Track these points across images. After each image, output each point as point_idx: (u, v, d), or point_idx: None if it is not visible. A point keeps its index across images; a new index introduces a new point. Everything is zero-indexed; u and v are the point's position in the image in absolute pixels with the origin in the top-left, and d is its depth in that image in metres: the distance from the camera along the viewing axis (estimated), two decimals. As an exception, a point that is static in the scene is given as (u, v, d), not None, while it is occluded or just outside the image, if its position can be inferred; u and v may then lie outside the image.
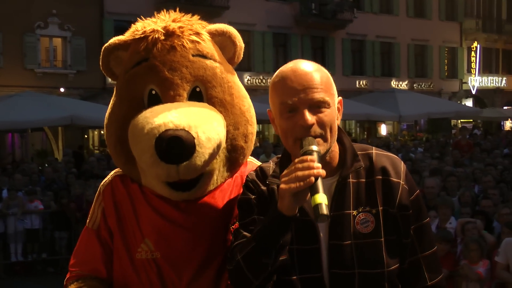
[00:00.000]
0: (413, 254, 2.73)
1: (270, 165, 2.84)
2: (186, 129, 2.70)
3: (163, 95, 2.92)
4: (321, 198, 2.35)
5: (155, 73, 2.92)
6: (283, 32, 39.88)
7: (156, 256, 2.91)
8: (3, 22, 27.73)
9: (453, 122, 42.80)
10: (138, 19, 3.18)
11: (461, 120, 43.70)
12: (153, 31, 2.98)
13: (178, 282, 2.89)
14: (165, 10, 3.17)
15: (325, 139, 2.59)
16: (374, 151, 2.81)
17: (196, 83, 2.96)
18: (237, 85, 3.13)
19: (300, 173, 2.39)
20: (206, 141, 2.76)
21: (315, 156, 2.45)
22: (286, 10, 39.96)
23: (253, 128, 3.17)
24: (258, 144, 23.47)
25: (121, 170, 3.13)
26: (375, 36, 44.18)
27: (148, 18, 3.16)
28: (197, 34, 3.03)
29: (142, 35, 2.98)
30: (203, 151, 2.75)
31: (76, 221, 13.59)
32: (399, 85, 44.06)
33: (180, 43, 2.96)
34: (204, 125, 2.78)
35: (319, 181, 2.39)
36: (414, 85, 45.81)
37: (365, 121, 35.34)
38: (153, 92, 2.94)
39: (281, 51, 40.16)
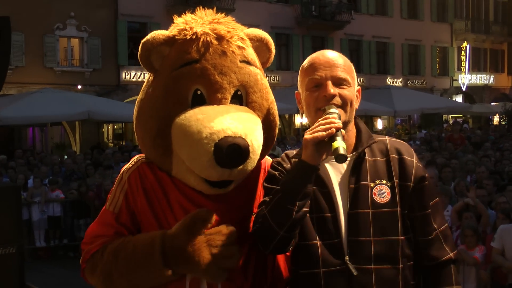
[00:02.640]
0: (430, 226, 2.88)
1: (294, 151, 3.01)
2: (243, 136, 2.73)
3: (210, 97, 2.89)
4: (339, 143, 2.59)
5: (206, 75, 2.87)
6: (285, 32, 39.83)
7: None
8: (25, 24, 27.72)
9: (444, 117, 42.73)
10: (178, 15, 3.07)
11: (452, 115, 43.68)
12: (204, 33, 2.92)
13: None
14: (188, 11, 3.09)
15: (345, 111, 2.82)
16: (388, 138, 3.00)
17: (240, 87, 2.96)
18: (270, 90, 3.15)
19: (323, 126, 2.62)
20: (257, 148, 2.82)
21: (336, 116, 2.68)
22: (288, 12, 39.95)
23: (277, 130, 3.23)
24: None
25: (144, 158, 3.07)
26: (371, 36, 44.12)
27: (186, 14, 3.07)
28: (242, 40, 3.01)
29: (194, 37, 2.91)
30: (254, 158, 2.82)
31: (95, 208, 13.61)
32: (394, 82, 44.02)
33: (230, 49, 2.93)
34: (255, 133, 2.81)
35: (339, 133, 2.63)
36: (408, 82, 45.77)
37: (362, 115, 35.35)
38: (199, 92, 2.90)
39: (283, 50, 40.07)
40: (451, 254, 2.88)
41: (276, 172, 2.89)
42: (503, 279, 8.13)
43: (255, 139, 2.80)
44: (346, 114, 2.81)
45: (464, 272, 8.32)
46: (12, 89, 28.14)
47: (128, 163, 3.10)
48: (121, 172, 3.07)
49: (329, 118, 2.65)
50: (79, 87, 30.63)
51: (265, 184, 2.92)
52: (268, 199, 2.76)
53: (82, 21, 31.49)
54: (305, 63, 2.94)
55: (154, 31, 2.96)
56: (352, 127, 2.92)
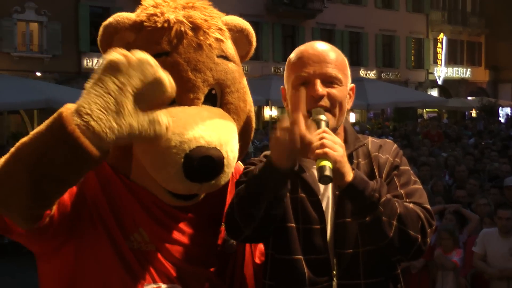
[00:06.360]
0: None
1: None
2: (218, 147, 2.46)
3: (181, 97, 2.57)
4: (326, 162, 2.30)
5: (177, 71, 2.55)
6: (254, 20, 39.34)
7: (151, 248, 2.62)
8: (-20, 6, 27.40)
9: (419, 111, 43.05)
10: None
11: (426, 110, 43.95)
12: (178, 21, 2.61)
13: (172, 275, 2.65)
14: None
15: (333, 114, 2.61)
16: (370, 138, 2.84)
17: (215, 86, 2.67)
18: (248, 90, 2.91)
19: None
20: (232, 161, 2.57)
21: (323, 125, 2.42)
22: (258, -2, 39.90)
23: (252, 135, 3.01)
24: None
25: None
26: (344, 26, 44.33)
27: None
28: (221, 30, 2.72)
29: (166, 25, 2.60)
30: (229, 171, 2.57)
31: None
32: (367, 74, 44.28)
33: (207, 41, 2.64)
34: (231, 142, 2.56)
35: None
36: (382, 75, 46.10)
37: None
38: None
39: (253, 39, 39.99)
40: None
41: (252, 167, 2.65)
42: (484, 286, 8.04)
43: (231, 150, 2.54)
44: (335, 118, 2.62)
45: (442, 277, 8.27)
46: (-34, 75, 27.76)
47: None
48: None
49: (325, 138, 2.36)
50: (38, 74, 30.45)
51: (238, 180, 2.73)
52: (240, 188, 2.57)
53: (41, 5, 31.30)
54: (292, 56, 2.73)
55: (118, 14, 2.67)
56: (341, 130, 2.74)
